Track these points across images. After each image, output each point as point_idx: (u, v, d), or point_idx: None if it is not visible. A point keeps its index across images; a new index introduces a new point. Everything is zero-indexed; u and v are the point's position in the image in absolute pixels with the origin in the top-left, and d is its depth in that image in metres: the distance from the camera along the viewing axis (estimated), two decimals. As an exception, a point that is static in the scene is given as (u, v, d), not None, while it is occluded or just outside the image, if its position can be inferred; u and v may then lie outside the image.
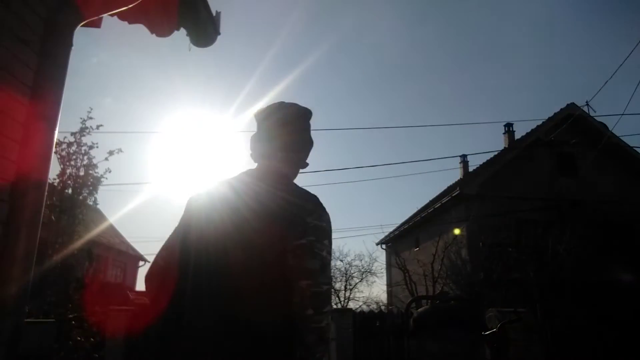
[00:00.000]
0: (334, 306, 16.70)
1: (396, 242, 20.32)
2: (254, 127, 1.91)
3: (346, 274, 18.70)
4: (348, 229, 46.03)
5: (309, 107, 1.94)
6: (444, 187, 17.48)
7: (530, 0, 40.26)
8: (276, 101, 1.94)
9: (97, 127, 9.53)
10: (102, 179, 9.57)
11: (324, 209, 1.63)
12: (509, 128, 17.54)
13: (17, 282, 2.22)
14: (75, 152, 9.35)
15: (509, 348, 5.05)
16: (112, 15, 2.93)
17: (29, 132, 2.38)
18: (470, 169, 17.77)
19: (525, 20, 41.36)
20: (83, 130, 9.42)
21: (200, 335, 1.53)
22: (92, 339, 8.31)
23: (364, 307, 17.92)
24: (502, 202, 13.71)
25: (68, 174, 9.24)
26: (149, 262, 24.88)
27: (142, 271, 25.57)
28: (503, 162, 15.24)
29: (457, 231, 13.89)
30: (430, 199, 17.83)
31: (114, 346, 8.77)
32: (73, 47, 2.65)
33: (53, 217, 8.67)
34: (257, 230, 1.54)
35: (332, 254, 1.62)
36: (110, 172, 9.62)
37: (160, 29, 3.33)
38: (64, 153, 9.25)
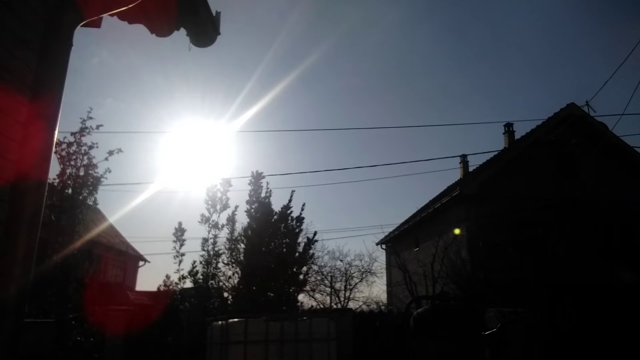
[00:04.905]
0: (334, 306, 16.70)
1: (396, 242, 20.30)
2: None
3: (346, 274, 18.71)
4: (348, 229, 46.15)
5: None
6: (444, 187, 17.49)
7: (530, 1, 40.28)
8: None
9: (97, 127, 9.54)
10: (102, 179, 9.58)
11: None
12: (509, 128, 17.53)
13: (17, 282, 2.22)
14: (75, 152, 9.35)
15: (509, 348, 5.05)
16: (112, 15, 2.93)
17: (29, 132, 2.38)
18: (470, 169, 17.76)
19: (525, 20, 41.39)
20: (83, 130, 9.42)
21: None
22: (92, 339, 8.31)
23: (364, 307, 17.94)
24: (502, 202, 13.70)
25: (68, 174, 9.24)
26: (149, 262, 24.90)
27: (142, 271, 25.56)
28: (503, 162, 15.23)
29: (457, 231, 13.88)
30: (430, 199, 17.84)
31: (114, 346, 8.78)
32: (73, 47, 2.65)
33: (53, 217, 8.67)
34: None
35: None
36: (110, 172, 9.63)
37: (160, 29, 3.33)
38: (64, 153, 9.25)
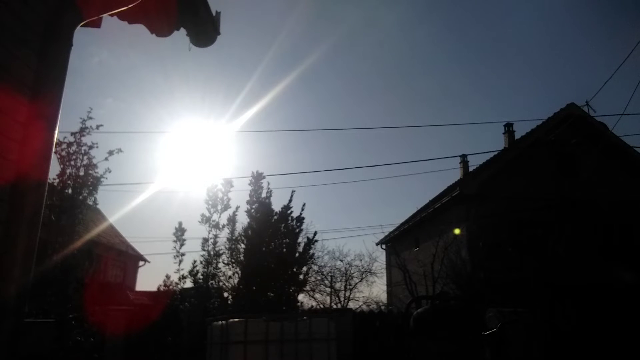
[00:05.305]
0: (334, 306, 16.70)
1: (396, 242, 20.30)
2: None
3: (346, 274, 18.69)
4: (348, 229, 46.13)
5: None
6: (444, 187, 17.49)
7: (530, 1, 40.27)
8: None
9: (97, 127, 9.53)
10: (102, 179, 9.56)
11: None
12: (509, 128, 17.53)
13: (17, 282, 2.22)
14: (75, 152, 9.34)
15: (509, 348, 5.05)
16: (112, 15, 2.93)
17: (29, 132, 2.38)
18: (470, 169, 17.76)
19: (526, 20, 41.39)
20: (83, 130, 9.41)
21: None
22: (92, 339, 8.31)
23: (364, 307, 17.92)
24: (502, 202, 13.70)
25: (68, 174, 9.23)
26: (149, 262, 24.90)
27: (142, 271, 25.56)
28: (503, 162, 15.23)
29: (457, 231, 13.87)
30: (430, 199, 17.83)
31: (114, 346, 8.78)
32: (73, 47, 2.65)
33: (53, 217, 8.66)
34: None
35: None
36: (110, 172, 9.62)
37: (160, 29, 3.33)
38: (64, 153, 9.24)
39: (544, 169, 14.92)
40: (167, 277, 11.46)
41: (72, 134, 9.37)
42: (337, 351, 7.67)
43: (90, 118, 9.50)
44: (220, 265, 12.32)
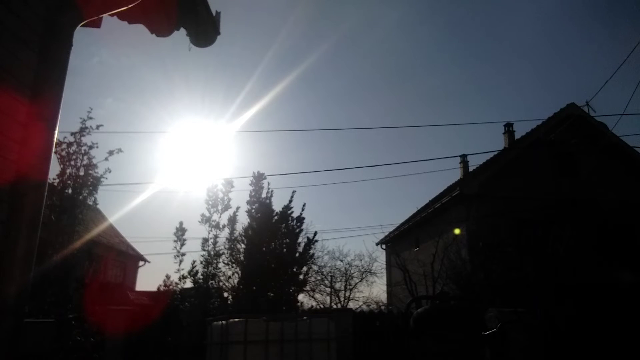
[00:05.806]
0: (334, 306, 16.70)
1: (396, 242, 20.30)
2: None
3: (346, 274, 18.72)
4: (348, 229, 46.19)
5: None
6: (444, 187, 17.49)
7: (530, 1, 40.28)
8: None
9: (97, 127, 9.51)
10: (102, 179, 9.56)
11: None
12: (509, 128, 17.53)
13: (17, 282, 2.22)
14: (75, 152, 9.33)
15: (509, 348, 5.05)
16: (112, 15, 2.93)
17: (29, 132, 2.38)
18: (470, 169, 17.77)
19: (526, 20, 41.40)
20: (83, 130, 9.40)
21: None
22: (92, 339, 8.30)
23: (364, 307, 17.94)
24: (502, 202, 13.70)
25: (68, 174, 9.22)
26: (149, 262, 24.92)
27: (142, 271, 25.58)
28: (503, 162, 15.23)
29: (457, 231, 13.87)
30: (430, 199, 17.83)
31: (114, 346, 8.78)
32: (73, 47, 2.65)
33: (53, 217, 8.66)
34: None
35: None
36: (110, 172, 9.60)
37: (160, 29, 3.33)
38: (64, 153, 9.23)
39: (544, 169, 14.91)
40: (167, 277, 11.47)
41: (72, 134, 9.36)
42: (337, 351, 7.67)
43: (90, 118, 9.50)
44: (220, 265, 12.33)
